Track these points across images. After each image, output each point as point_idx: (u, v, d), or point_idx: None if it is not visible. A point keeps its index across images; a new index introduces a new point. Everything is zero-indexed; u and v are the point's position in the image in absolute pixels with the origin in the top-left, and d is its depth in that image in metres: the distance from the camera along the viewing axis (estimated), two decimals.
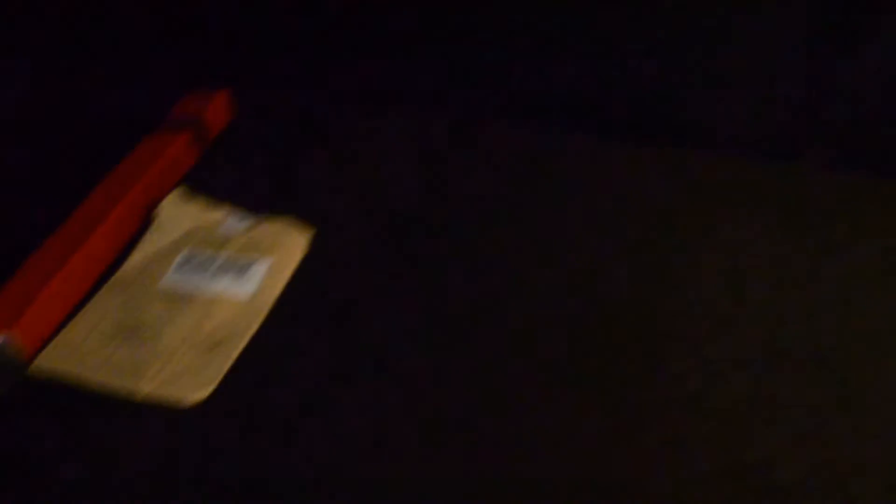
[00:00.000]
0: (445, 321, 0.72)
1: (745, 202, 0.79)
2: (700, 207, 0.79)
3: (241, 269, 0.77)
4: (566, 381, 0.66)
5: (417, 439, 0.63)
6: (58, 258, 0.76)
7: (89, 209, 0.81)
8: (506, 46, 0.94)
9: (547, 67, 0.93)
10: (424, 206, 0.83)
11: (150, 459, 0.64)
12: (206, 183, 0.87)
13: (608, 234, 0.78)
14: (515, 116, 0.93)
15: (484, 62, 0.96)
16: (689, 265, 0.74)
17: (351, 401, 0.66)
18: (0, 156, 0.78)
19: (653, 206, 0.80)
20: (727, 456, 0.60)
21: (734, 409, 0.63)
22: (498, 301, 0.73)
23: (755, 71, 0.88)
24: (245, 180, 0.89)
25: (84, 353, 0.71)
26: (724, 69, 0.89)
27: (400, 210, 0.83)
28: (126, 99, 0.92)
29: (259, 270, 0.77)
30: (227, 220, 0.82)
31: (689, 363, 0.66)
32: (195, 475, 0.63)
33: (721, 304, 0.70)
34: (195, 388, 0.68)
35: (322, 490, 0.61)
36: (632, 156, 0.85)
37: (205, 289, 0.76)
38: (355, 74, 0.99)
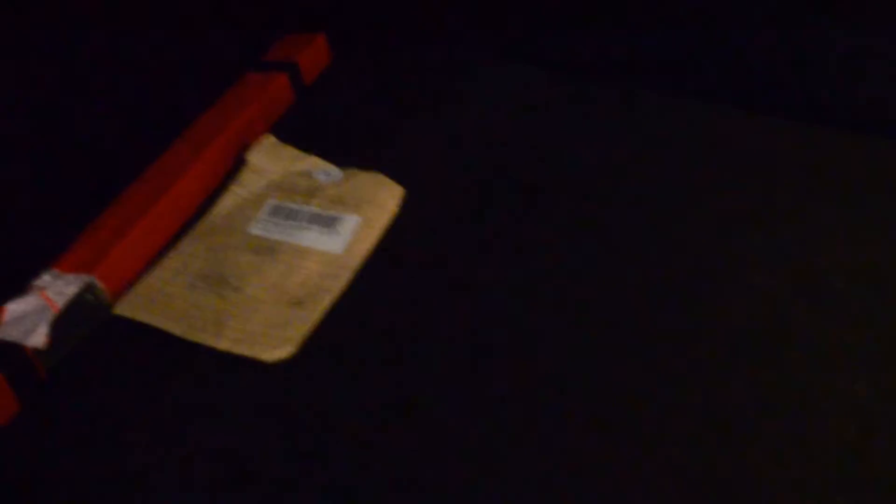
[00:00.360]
0: (540, 285, 0.68)
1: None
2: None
3: (330, 222, 0.75)
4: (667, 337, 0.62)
5: (504, 400, 0.60)
6: (144, 202, 0.74)
7: (178, 153, 0.79)
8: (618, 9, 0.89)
9: (659, 32, 0.88)
10: (520, 167, 0.79)
11: (227, 413, 0.62)
12: (298, 130, 0.84)
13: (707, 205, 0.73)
14: (618, 78, 0.88)
15: (587, 23, 0.90)
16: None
17: (443, 366, 0.63)
18: (94, 98, 0.77)
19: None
20: None
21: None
22: (593, 266, 0.69)
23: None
24: (339, 129, 0.86)
25: (166, 300, 0.70)
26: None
27: (495, 170, 0.79)
28: (223, 40, 0.89)
29: (348, 226, 0.74)
30: (317, 171, 0.80)
31: None
32: (273, 434, 0.61)
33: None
34: (276, 347, 0.65)
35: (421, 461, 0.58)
36: (737, 121, 0.80)
37: (292, 240, 0.74)
38: (460, 26, 0.95)
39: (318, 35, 0.92)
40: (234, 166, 0.81)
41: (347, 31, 0.94)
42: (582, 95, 0.86)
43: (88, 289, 0.68)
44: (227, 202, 0.78)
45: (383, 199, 0.77)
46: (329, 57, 0.93)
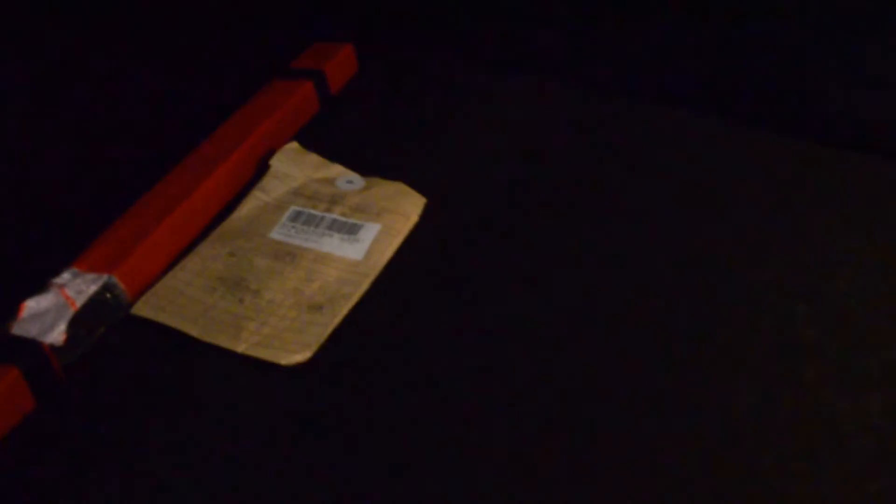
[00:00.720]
0: (558, 301, 0.67)
1: None
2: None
3: (351, 229, 0.74)
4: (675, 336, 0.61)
5: (519, 412, 0.59)
6: (166, 204, 0.75)
7: (202, 156, 0.79)
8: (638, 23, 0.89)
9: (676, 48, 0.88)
10: (541, 179, 0.79)
11: (243, 415, 0.62)
12: (323, 137, 0.85)
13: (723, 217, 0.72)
14: (634, 95, 0.87)
15: (610, 39, 0.90)
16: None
17: (459, 376, 0.63)
18: (121, 98, 0.77)
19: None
20: None
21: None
22: (612, 278, 0.68)
23: None
24: (362, 138, 0.86)
25: (185, 301, 0.69)
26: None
27: (517, 182, 0.78)
28: (253, 45, 0.89)
29: (369, 233, 0.74)
30: (340, 179, 0.80)
31: None
32: (287, 435, 0.60)
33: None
34: (294, 351, 0.65)
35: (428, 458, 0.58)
36: (765, 144, 0.79)
37: (313, 246, 0.74)
38: (482, 38, 0.95)
39: (345, 45, 0.93)
40: (258, 172, 0.81)
41: (374, 43, 0.94)
42: (603, 110, 0.86)
43: (108, 288, 0.68)
44: (250, 207, 0.78)
45: (405, 208, 0.76)
46: (356, 67, 0.93)
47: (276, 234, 0.75)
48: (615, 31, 0.89)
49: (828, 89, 0.83)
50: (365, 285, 0.70)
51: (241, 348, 0.66)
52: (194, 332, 0.67)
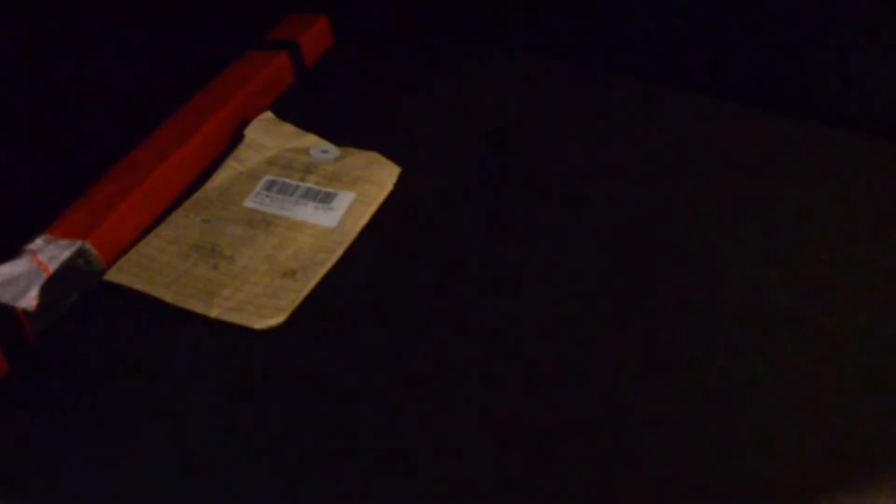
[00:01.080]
0: (532, 268, 0.68)
1: None
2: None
3: (326, 198, 0.75)
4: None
5: (498, 363, 0.60)
6: (141, 172, 0.74)
7: (176, 126, 0.79)
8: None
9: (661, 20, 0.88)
10: (518, 152, 0.79)
11: (217, 378, 0.62)
12: (297, 108, 0.85)
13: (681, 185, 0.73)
14: (613, 66, 0.88)
15: (586, 11, 0.90)
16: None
17: (426, 341, 0.63)
18: (95, 71, 0.77)
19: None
20: None
21: None
22: (585, 250, 0.69)
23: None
24: (337, 109, 0.86)
25: (158, 267, 0.69)
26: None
27: (491, 153, 0.79)
28: (224, 17, 0.89)
29: (343, 202, 0.74)
30: (314, 149, 0.80)
31: None
32: (261, 396, 0.61)
33: None
34: (267, 316, 0.65)
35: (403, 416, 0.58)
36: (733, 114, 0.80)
37: (286, 215, 0.74)
38: (458, 11, 0.95)
39: (320, 17, 0.93)
40: (232, 141, 0.81)
41: (350, 15, 0.94)
42: (580, 83, 0.86)
43: (81, 254, 0.68)
44: (224, 176, 0.78)
45: (380, 177, 0.77)
46: (331, 39, 0.93)
47: (250, 202, 0.75)
48: (588, 6, 0.90)
49: (804, 63, 0.84)
50: (339, 252, 0.71)
51: (214, 313, 0.66)
52: (168, 297, 0.67)
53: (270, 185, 0.76)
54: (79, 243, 0.68)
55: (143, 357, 0.64)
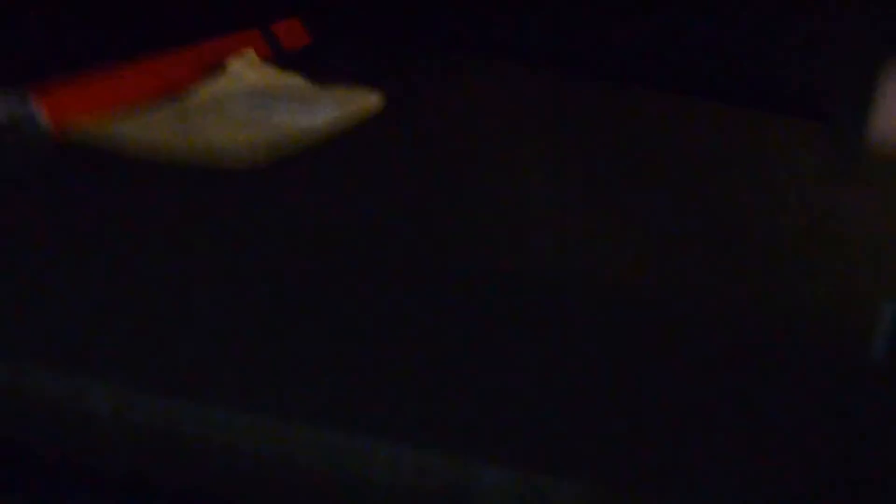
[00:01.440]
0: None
1: None
2: None
3: (308, 106, 0.67)
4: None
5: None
6: (116, 68, 0.63)
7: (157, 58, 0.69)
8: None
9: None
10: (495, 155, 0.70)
11: (194, 223, 0.50)
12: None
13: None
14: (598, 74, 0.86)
15: (570, 21, 0.88)
16: None
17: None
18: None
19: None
20: None
21: None
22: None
23: None
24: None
25: (126, 134, 0.57)
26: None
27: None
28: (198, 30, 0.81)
29: (326, 110, 0.67)
30: (296, 79, 0.70)
31: None
32: (241, 239, 0.49)
33: None
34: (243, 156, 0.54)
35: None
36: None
37: (268, 119, 0.62)
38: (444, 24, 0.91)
39: (292, 18, 0.85)
40: (213, 72, 0.70)
41: (329, 21, 0.88)
42: (563, 91, 0.82)
43: (24, 101, 0.54)
44: (201, 94, 0.67)
45: (360, 99, 0.70)
46: (307, 38, 0.86)
47: (230, 109, 0.65)
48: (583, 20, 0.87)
49: (748, 55, 0.81)
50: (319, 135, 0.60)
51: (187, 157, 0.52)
52: (138, 140, 0.54)
53: (251, 95, 0.66)
54: (23, 94, 0.55)
55: (117, 208, 0.50)
